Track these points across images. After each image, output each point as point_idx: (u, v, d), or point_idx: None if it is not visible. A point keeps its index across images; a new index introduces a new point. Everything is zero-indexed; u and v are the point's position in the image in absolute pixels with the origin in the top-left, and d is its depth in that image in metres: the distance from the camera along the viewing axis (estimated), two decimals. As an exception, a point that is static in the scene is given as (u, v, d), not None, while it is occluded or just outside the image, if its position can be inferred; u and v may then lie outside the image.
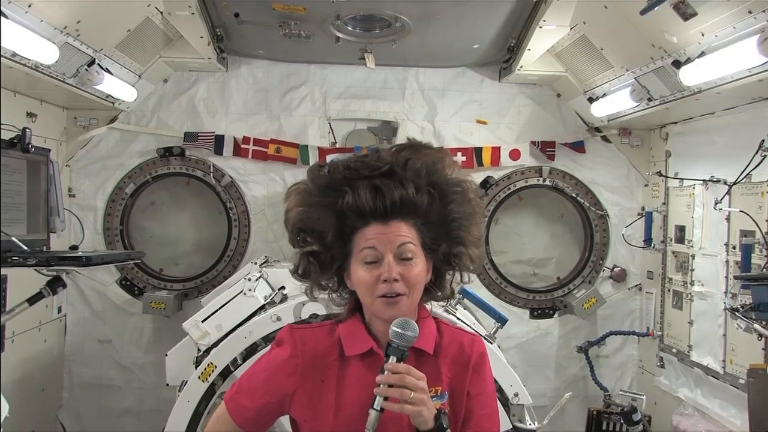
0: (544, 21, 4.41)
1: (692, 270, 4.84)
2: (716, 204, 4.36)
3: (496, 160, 5.68)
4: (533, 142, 5.73)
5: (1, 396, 3.02)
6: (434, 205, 1.88)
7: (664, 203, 5.32)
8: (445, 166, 1.91)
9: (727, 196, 4.31)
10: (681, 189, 5.04)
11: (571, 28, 4.53)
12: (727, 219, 4.36)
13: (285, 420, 2.01)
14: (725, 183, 4.33)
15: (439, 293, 1.99)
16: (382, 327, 1.87)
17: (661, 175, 5.29)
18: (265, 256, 5.11)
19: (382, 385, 1.73)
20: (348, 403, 1.86)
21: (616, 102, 4.91)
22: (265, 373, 1.96)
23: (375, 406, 1.72)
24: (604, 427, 5.04)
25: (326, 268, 1.93)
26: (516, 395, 3.59)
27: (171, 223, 5.91)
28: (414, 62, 5.66)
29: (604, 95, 5.02)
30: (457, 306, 4.06)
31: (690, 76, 3.81)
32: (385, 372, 1.74)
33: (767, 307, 3.31)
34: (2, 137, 3.65)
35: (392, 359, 1.76)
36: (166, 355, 3.98)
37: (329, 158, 5.53)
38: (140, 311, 5.51)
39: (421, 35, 4.90)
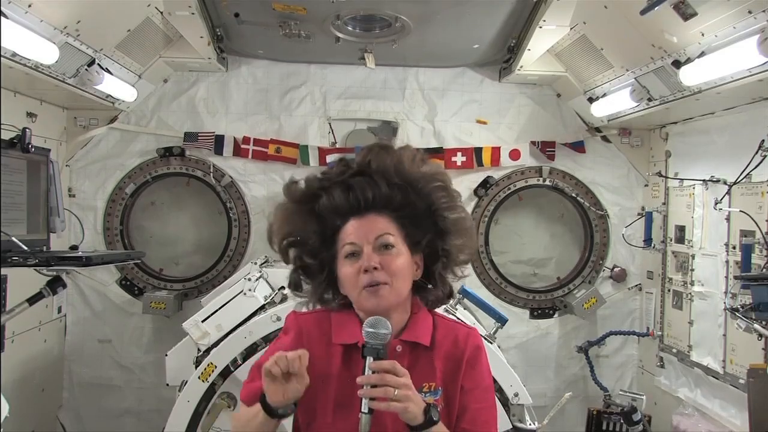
0: (544, 21, 4.41)
1: (692, 270, 4.84)
2: (716, 204, 4.36)
3: (496, 160, 5.68)
4: (533, 142, 5.73)
5: (1, 396, 3.02)
6: (411, 198, 1.92)
7: (664, 203, 5.32)
8: (413, 162, 1.96)
9: (727, 196, 4.31)
10: (681, 189, 5.04)
11: (571, 28, 4.53)
12: (727, 219, 4.35)
13: (284, 420, 2.01)
14: (725, 183, 4.33)
15: (431, 287, 1.99)
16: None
17: (661, 175, 5.29)
18: (265, 256, 5.10)
19: (365, 386, 1.73)
20: (349, 393, 1.87)
21: (616, 102, 4.90)
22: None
23: (363, 409, 1.73)
24: (604, 427, 5.04)
25: (316, 277, 1.97)
26: (516, 395, 3.59)
27: (171, 223, 5.91)
28: (414, 62, 5.65)
29: (604, 95, 5.02)
30: (457, 306, 4.07)
31: (690, 76, 3.81)
32: (367, 372, 1.75)
33: (767, 307, 3.31)
34: (2, 137, 3.65)
35: (369, 359, 1.77)
36: (166, 355, 3.98)
37: (329, 159, 5.54)
38: (140, 311, 5.51)
39: (421, 35, 4.90)
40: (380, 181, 1.91)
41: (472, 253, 2.06)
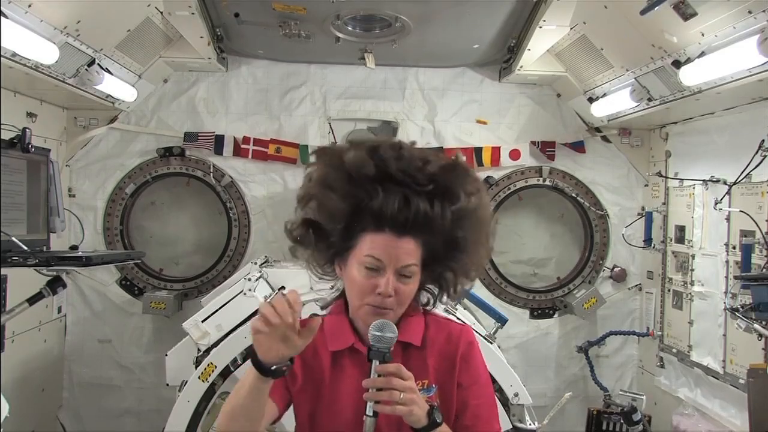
0: (544, 21, 4.41)
1: (692, 270, 4.83)
2: (716, 204, 4.36)
3: (496, 160, 5.68)
4: (533, 142, 5.73)
5: (1, 396, 3.02)
6: (446, 227, 1.85)
7: (664, 203, 5.32)
8: (482, 197, 1.91)
9: (727, 196, 4.31)
10: (681, 189, 5.04)
11: (571, 28, 4.53)
12: (727, 219, 4.35)
13: (285, 420, 2.02)
14: (725, 183, 4.33)
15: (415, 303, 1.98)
16: (364, 326, 1.88)
17: (661, 176, 5.29)
18: (265, 256, 5.10)
19: (370, 389, 1.73)
20: (339, 398, 1.90)
21: (616, 102, 4.90)
22: None
23: (368, 412, 1.72)
24: (604, 427, 5.04)
25: (321, 252, 1.94)
26: (516, 395, 3.59)
27: (171, 223, 5.91)
28: (414, 62, 5.65)
29: (604, 95, 5.02)
30: (457, 306, 4.07)
31: (690, 76, 3.81)
32: (373, 375, 1.74)
33: (767, 307, 3.31)
34: (2, 137, 3.65)
35: (375, 363, 1.76)
36: (166, 355, 3.98)
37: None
38: (140, 311, 5.51)
39: (421, 35, 4.90)
40: (435, 204, 1.80)
41: (476, 276, 2.04)
